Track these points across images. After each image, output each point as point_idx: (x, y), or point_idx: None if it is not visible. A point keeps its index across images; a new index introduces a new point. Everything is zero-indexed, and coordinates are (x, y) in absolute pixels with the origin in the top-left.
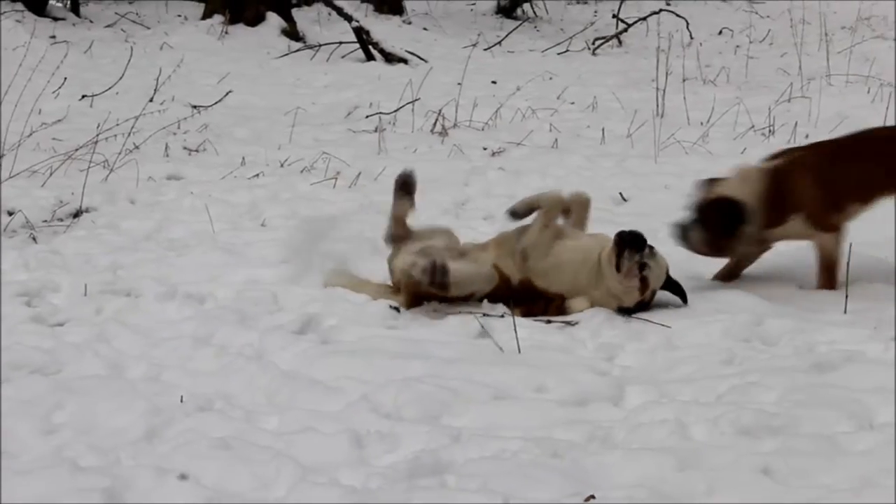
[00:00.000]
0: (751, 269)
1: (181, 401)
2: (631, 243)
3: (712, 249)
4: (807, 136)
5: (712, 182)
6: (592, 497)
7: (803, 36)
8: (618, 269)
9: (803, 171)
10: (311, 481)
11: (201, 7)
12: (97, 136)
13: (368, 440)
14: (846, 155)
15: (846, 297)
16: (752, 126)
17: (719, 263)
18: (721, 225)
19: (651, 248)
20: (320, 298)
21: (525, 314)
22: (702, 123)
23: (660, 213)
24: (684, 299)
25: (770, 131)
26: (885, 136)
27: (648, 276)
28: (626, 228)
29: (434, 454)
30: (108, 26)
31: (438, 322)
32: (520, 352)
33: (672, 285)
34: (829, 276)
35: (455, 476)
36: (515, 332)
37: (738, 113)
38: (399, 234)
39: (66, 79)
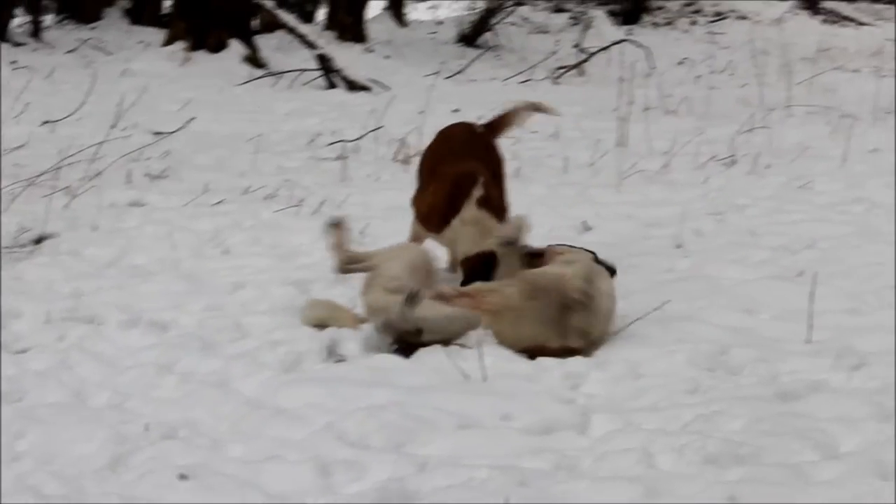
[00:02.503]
0: (713, 300)
1: (146, 429)
2: None
3: None
4: (768, 167)
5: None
6: None
7: (764, 67)
8: None
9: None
10: None
11: (163, 33)
12: (60, 162)
13: (335, 468)
14: None
15: (809, 326)
16: (714, 156)
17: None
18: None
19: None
20: (284, 325)
21: None
22: (664, 153)
23: (623, 241)
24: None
25: (732, 161)
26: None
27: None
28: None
29: (401, 482)
30: (70, 52)
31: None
32: (485, 380)
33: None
34: None
35: None
36: (481, 360)
37: (699, 143)
38: (346, 261)
39: (28, 104)
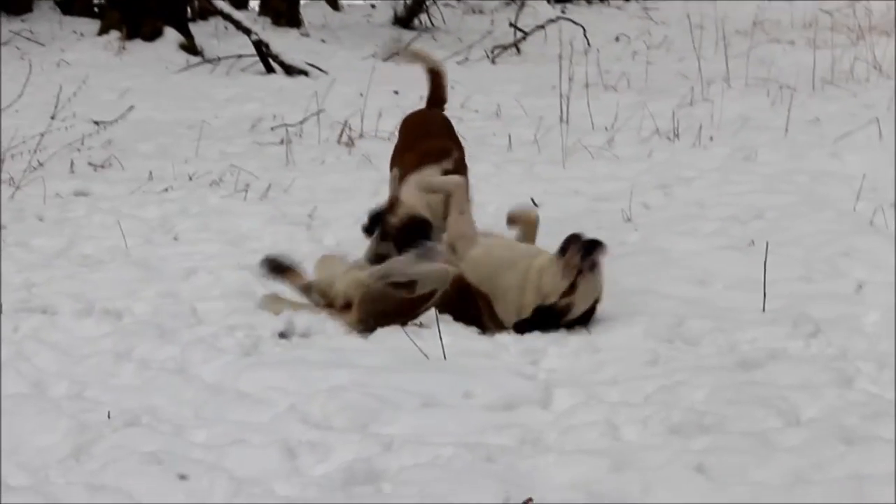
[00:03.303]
0: (666, 272)
1: (108, 417)
2: (587, 246)
3: None
4: (711, 139)
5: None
6: (530, 500)
7: (700, 41)
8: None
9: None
10: (246, 492)
11: (97, 23)
12: (4, 153)
13: (300, 450)
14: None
15: (764, 295)
16: (657, 130)
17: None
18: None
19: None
20: (239, 310)
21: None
22: (606, 129)
23: (573, 217)
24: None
25: (675, 134)
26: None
27: (578, 285)
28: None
29: (367, 462)
30: (3, 44)
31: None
32: (445, 358)
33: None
34: None
35: (391, 484)
36: (440, 338)
37: (641, 117)
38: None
39: None
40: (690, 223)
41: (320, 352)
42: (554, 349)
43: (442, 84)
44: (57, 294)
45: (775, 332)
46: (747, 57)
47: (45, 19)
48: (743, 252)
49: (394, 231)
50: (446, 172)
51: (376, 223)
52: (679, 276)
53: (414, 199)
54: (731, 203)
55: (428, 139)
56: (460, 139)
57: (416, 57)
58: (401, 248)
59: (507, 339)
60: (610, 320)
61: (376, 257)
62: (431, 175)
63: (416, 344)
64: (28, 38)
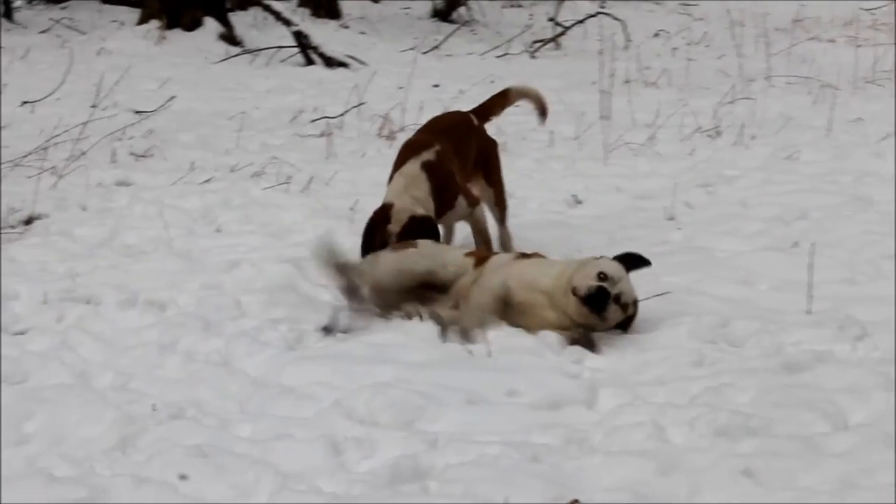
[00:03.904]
0: (710, 272)
1: (153, 409)
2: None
3: None
4: (753, 138)
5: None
6: (576, 501)
7: (741, 38)
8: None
9: (451, 158)
10: (291, 489)
11: (137, 12)
12: (47, 142)
13: (345, 446)
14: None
15: (809, 297)
16: (699, 127)
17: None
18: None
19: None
20: (283, 303)
21: None
22: (647, 125)
23: (615, 214)
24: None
25: (717, 132)
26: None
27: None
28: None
29: (413, 459)
30: (43, 32)
31: (402, 326)
32: (489, 355)
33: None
34: (488, 241)
35: (436, 482)
36: (485, 335)
37: (683, 114)
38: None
39: (6, 85)
40: (733, 223)
41: (363, 347)
42: (599, 348)
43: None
44: (100, 284)
45: (821, 334)
46: (788, 54)
47: (86, 8)
48: (787, 253)
49: (397, 237)
50: (426, 164)
51: (371, 238)
52: (723, 277)
53: (403, 200)
54: (774, 203)
55: (419, 135)
56: (466, 139)
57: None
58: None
59: (551, 337)
60: (654, 320)
61: None
62: (411, 169)
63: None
64: (68, 27)
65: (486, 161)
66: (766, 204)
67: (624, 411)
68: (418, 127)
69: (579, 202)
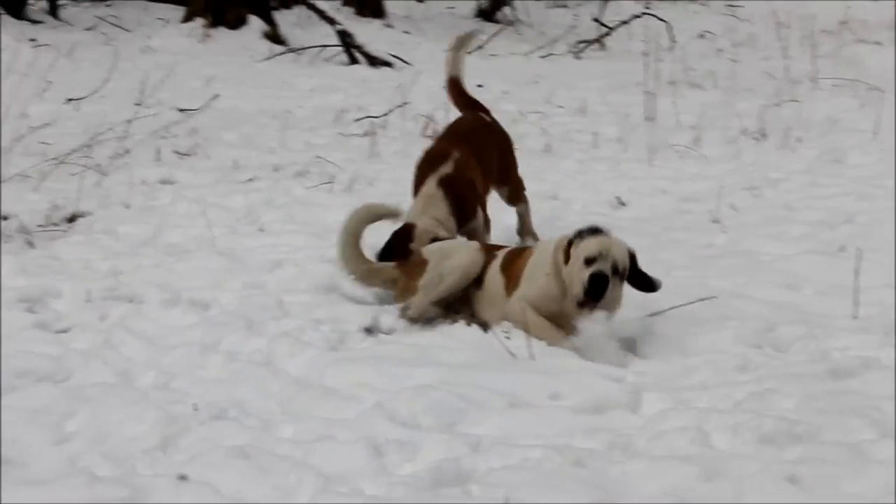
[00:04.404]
0: (755, 276)
1: (195, 409)
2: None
3: None
4: (799, 140)
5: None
6: None
7: (787, 40)
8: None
9: (471, 164)
10: (333, 491)
11: (182, 10)
12: (91, 140)
13: (387, 448)
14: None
15: (856, 302)
16: (744, 130)
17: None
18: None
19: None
20: (326, 303)
21: None
22: (692, 127)
23: (660, 217)
24: (653, 287)
25: (762, 135)
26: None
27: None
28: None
29: (455, 463)
30: (88, 29)
31: (443, 328)
32: (532, 358)
33: (638, 277)
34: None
35: (479, 485)
36: (528, 336)
37: (728, 117)
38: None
39: (51, 82)
40: (779, 226)
41: (405, 348)
42: (643, 351)
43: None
44: (144, 283)
45: (868, 340)
46: (834, 57)
47: (131, 5)
48: (833, 257)
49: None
50: (444, 179)
51: (390, 254)
52: (768, 281)
53: (424, 222)
54: (820, 206)
55: (438, 143)
56: (485, 141)
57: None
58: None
59: (595, 340)
60: (699, 324)
61: None
62: (429, 189)
63: (503, 343)
64: (113, 24)
65: (501, 156)
66: (812, 207)
67: (668, 416)
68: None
69: (623, 204)
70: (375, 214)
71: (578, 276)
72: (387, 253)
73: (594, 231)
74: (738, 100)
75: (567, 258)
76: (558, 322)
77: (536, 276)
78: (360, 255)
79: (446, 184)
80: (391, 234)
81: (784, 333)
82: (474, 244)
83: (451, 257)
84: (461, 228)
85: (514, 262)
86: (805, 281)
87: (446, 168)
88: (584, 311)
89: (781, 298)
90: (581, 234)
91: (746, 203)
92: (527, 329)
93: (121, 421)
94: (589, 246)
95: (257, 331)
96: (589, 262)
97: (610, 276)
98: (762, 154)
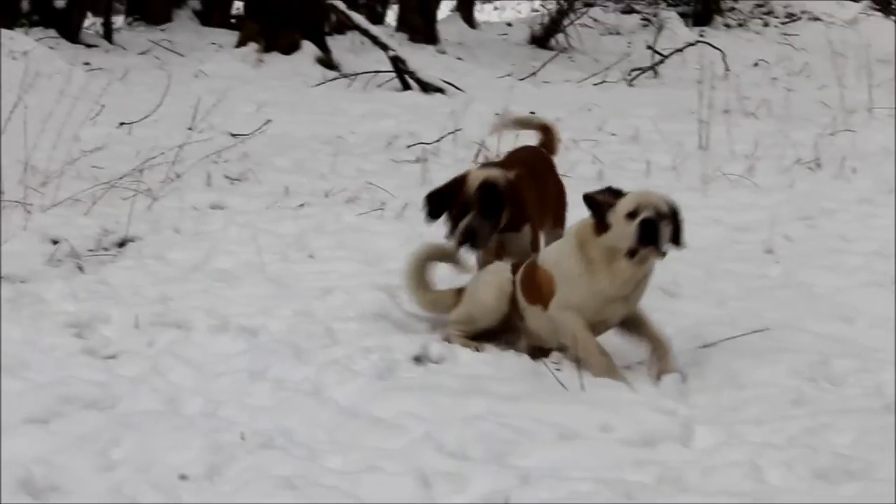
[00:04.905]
0: (809, 308)
1: (242, 438)
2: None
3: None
4: (854, 170)
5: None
6: None
7: (842, 69)
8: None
9: (528, 186)
10: None
11: (235, 35)
12: (143, 164)
13: (435, 480)
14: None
15: None
16: (799, 159)
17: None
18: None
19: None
20: (375, 332)
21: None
22: (746, 156)
23: (713, 246)
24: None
25: (817, 164)
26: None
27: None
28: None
29: (504, 495)
30: (142, 53)
31: (493, 358)
32: (583, 389)
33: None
34: None
35: None
36: (578, 368)
37: (782, 146)
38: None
39: (103, 106)
40: (834, 257)
41: (455, 378)
42: (696, 384)
43: (554, 138)
44: (192, 309)
45: None
46: (890, 86)
47: (184, 30)
48: (888, 289)
49: (474, 198)
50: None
51: (444, 202)
52: (823, 313)
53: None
54: (875, 237)
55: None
56: (544, 173)
57: (524, 123)
58: (485, 214)
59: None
60: (752, 356)
61: (467, 232)
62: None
63: (553, 374)
64: (167, 49)
65: (558, 197)
66: (867, 238)
67: (720, 450)
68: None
69: None
70: (435, 255)
71: (625, 232)
72: (440, 203)
73: (614, 191)
74: (792, 129)
75: (599, 231)
76: (606, 314)
77: (567, 275)
78: (424, 286)
79: (486, 185)
80: (439, 188)
81: (838, 367)
82: (503, 272)
83: (478, 290)
84: (496, 232)
85: (533, 275)
86: (860, 313)
87: (507, 175)
88: (640, 259)
89: (836, 331)
90: (598, 201)
91: (800, 233)
92: (575, 345)
93: (167, 449)
94: (626, 202)
95: (306, 359)
96: (631, 215)
97: (657, 221)
98: (817, 184)
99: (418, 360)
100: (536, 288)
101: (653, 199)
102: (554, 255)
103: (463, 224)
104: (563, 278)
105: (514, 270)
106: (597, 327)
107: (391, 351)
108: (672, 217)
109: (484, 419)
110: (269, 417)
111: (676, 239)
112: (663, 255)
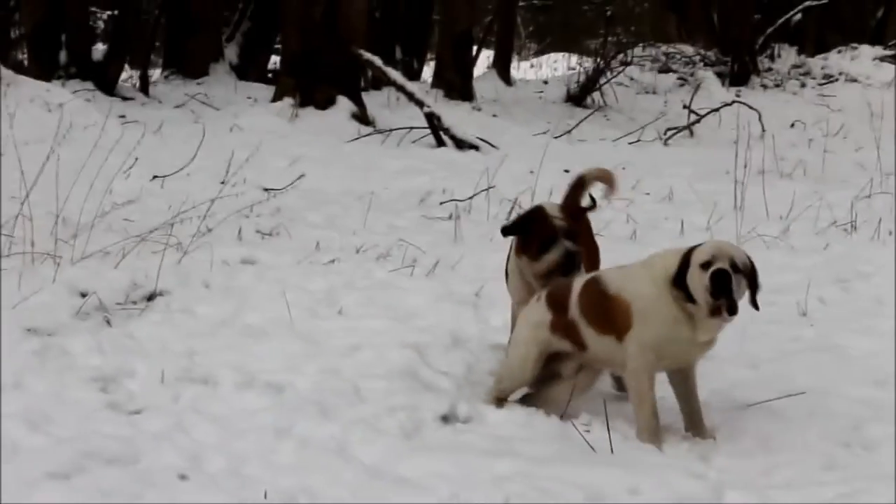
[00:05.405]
0: (843, 372)
1: (265, 496)
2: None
3: None
4: (890, 233)
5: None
6: None
7: (879, 130)
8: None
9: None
10: None
11: (271, 89)
12: (174, 218)
13: None
14: None
15: None
16: (834, 221)
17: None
18: None
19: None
20: (402, 390)
21: None
22: (781, 217)
23: (746, 307)
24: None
25: (853, 227)
26: None
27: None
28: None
29: None
30: (178, 107)
31: (522, 418)
32: (612, 452)
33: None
34: None
35: None
36: (608, 429)
37: (818, 207)
38: None
39: (137, 159)
40: (868, 321)
41: (483, 438)
42: (726, 447)
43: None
44: (219, 364)
45: None
46: None
47: (221, 84)
48: None
49: (566, 226)
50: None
51: (527, 226)
52: (857, 377)
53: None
54: None
55: None
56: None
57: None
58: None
59: (677, 435)
60: (785, 420)
61: (568, 255)
62: None
63: (583, 436)
64: (203, 102)
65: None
66: None
67: None
68: None
69: None
70: None
71: (700, 283)
72: (523, 226)
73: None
74: (828, 190)
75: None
76: (688, 358)
77: (655, 315)
78: None
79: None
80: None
81: (872, 432)
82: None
83: (515, 346)
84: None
85: (603, 302)
86: (894, 378)
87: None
88: (721, 318)
89: (870, 395)
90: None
91: (835, 296)
92: (634, 396)
93: None
94: (702, 252)
95: (331, 416)
96: (705, 266)
97: (731, 273)
98: (852, 246)
99: (445, 419)
100: (609, 319)
101: (729, 251)
102: (634, 287)
103: (561, 248)
104: (648, 316)
105: (552, 299)
106: (667, 365)
107: (418, 410)
108: (749, 274)
109: (511, 481)
110: (293, 476)
111: (752, 298)
112: (734, 312)
